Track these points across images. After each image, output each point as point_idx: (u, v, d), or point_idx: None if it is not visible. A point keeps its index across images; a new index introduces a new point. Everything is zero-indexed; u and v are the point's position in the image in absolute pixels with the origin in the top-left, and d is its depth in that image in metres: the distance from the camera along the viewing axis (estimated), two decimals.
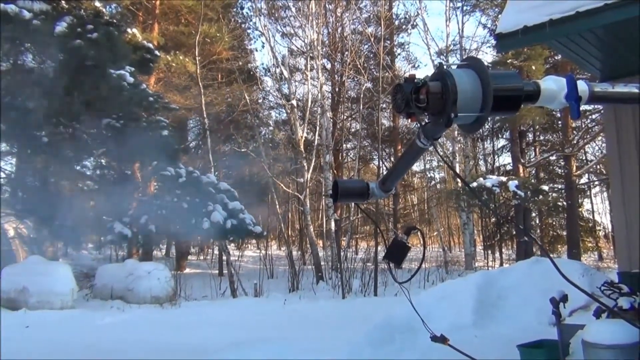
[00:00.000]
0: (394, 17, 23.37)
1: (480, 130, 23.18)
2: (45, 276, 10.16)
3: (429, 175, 29.86)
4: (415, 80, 1.24)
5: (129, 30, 14.45)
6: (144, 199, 14.01)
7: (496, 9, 19.82)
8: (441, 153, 22.50)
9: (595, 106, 13.09)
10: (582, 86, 1.32)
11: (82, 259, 18.61)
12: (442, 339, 2.45)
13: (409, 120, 1.33)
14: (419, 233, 2.05)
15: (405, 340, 5.10)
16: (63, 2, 12.46)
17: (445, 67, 1.23)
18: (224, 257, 15.76)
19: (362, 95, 19.68)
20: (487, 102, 1.19)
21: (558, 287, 3.84)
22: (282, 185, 18.67)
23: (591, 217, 23.46)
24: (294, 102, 17.45)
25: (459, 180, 19.53)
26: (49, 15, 11.50)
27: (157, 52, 15.11)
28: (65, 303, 10.11)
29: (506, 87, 1.24)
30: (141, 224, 12.90)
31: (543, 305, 4.26)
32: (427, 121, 1.31)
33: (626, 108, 5.45)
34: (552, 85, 1.32)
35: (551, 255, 19.23)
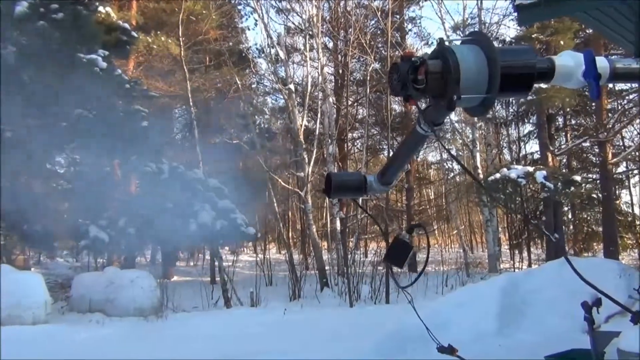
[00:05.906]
0: None
1: (504, 114, 23.18)
2: (15, 288, 10.14)
3: (446, 166, 29.55)
4: (413, 59, 1.23)
5: (101, 9, 14.42)
6: (122, 199, 14.00)
7: None
8: (459, 141, 22.49)
9: (634, 85, 13.05)
10: (601, 62, 1.31)
11: (56, 268, 18.69)
12: (450, 350, 2.46)
13: (408, 104, 1.33)
14: (426, 231, 2.05)
15: (417, 351, 5.12)
16: None
17: (446, 42, 1.23)
18: (216, 263, 15.80)
19: (369, 78, 19.63)
20: (494, 81, 1.19)
21: (591, 290, 3.84)
22: (280, 180, 18.68)
23: (630, 210, 23.38)
24: (291, 86, 17.43)
25: (479, 171, 19.50)
26: None
27: (134, 33, 15.09)
28: (37, 317, 10.11)
29: (516, 65, 1.24)
30: (119, 226, 12.90)
31: (574, 311, 4.26)
32: (427, 105, 1.31)
33: None
34: (569, 62, 1.32)
35: (585, 255, 19.22)
